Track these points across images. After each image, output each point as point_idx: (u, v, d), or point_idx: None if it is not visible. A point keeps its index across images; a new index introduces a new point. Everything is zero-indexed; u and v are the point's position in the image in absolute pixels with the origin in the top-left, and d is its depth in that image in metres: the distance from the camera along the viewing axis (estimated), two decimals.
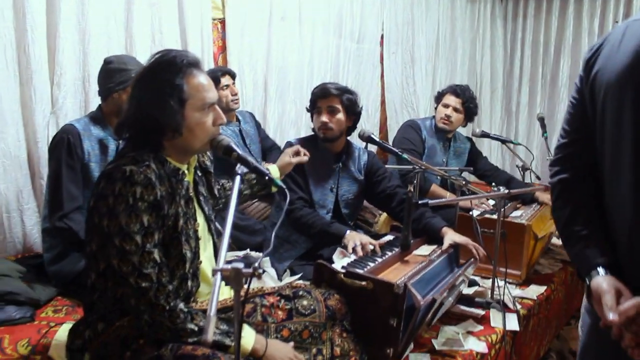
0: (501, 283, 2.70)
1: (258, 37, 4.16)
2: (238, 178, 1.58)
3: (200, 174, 1.92)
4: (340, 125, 2.73)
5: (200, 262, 1.80)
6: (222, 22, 3.98)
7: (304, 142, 2.77)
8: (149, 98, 1.66)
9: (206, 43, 3.82)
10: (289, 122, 4.55)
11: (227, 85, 3.51)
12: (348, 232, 2.56)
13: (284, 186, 1.64)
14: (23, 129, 3.01)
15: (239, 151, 1.69)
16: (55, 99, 3.09)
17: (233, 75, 3.63)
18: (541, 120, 4.04)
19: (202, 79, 1.72)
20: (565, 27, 6.12)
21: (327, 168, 2.80)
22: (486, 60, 6.39)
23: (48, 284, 2.57)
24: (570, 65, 6.11)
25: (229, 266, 1.27)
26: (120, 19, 3.34)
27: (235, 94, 3.57)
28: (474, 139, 3.98)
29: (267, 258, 2.74)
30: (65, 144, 2.52)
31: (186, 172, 1.79)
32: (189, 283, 1.75)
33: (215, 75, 3.41)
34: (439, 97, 3.72)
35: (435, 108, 3.75)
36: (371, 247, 2.44)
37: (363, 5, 5.05)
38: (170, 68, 1.67)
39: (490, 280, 2.80)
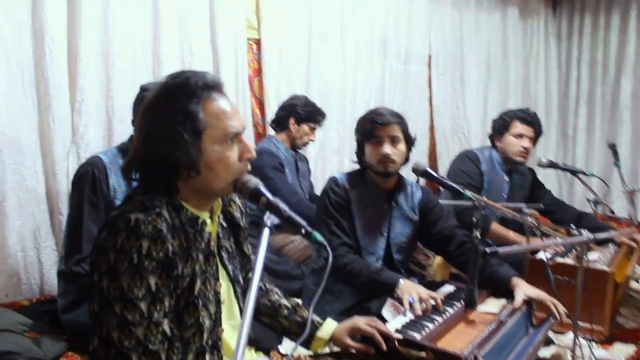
0: (582, 341, 2.27)
1: (296, 58, 3.89)
2: (267, 232, 1.25)
3: (225, 225, 1.59)
4: (402, 157, 2.41)
5: (222, 330, 1.46)
6: (258, 42, 3.74)
7: (352, 178, 2.45)
8: (157, 129, 1.35)
9: (240, 65, 3.57)
10: (331, 150, 4.23)
11: (314, 129, 3.51)
12: (401, 281, 2.19)
13: (325, 242, 1.29)
14: (41, 161, 2.80)
15: (269, 196, 1.35)
16: (76, 127, 2.87)
17: (322, 125, 3.61)
18: (612, 147, 3.60)
19: (223, 104, 1.40)
20: (626, 44, 5.68)
21: (377, 208, 2.45)
22: (540, 80, 5.98)
23: (60, 336, 2.30)
24: (633, 85, 5.65)
25: None
26: (147, 40, 3.12)
27: (312, 140, 3.55)
28: (535, 168, 3.56)
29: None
30: (89, 179, 2.27)
31: (208, 221, 1.46)
32: (207, 357, 1.41)
33: (315, 118, 3.46)
34: (503, 126, 3.28)
35: (496, 139, 3.32)
36: (432, 302, 2.05)
37: (409, 24, 4.75)
38: (182, 92, 1.36)
39: (567, 336, 2.40)
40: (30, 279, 2.77)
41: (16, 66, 2.67)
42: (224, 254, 1.53)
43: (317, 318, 1.80)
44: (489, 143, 3.44)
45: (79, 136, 2.85)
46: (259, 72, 3.77)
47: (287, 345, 2.16)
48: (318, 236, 1.30)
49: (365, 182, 2.44)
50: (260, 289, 1.81)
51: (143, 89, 2.31)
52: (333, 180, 2.46)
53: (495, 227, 3.10)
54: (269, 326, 1.82)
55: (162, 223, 1.30)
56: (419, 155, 5.02)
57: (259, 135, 3.71)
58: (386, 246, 2.45)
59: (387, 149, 2.34)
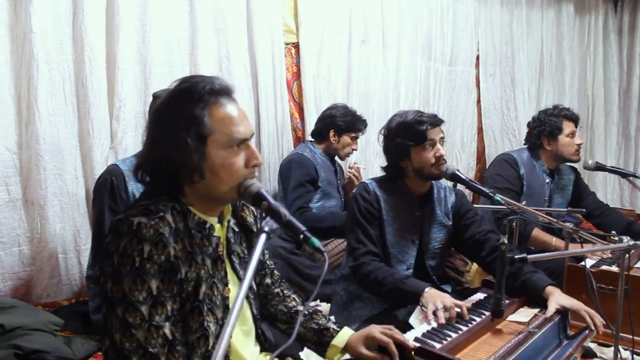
0: (625, 354, 2.13)
1: (336, 62, 3.85)
2: (263, 237, 1.22)
3: (237, 230, 1.57)
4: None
5: (230, 336, 1.44)
6: (296, 46, 3.72)
7: (383, 184, 2.38)
8: (163, 134, 1.36)
9: (278, 69, 3.56)
10: (373, 154, 4.17)
11: (356, 138, 3.48)
12: (427, 289, 2.10)
13: (322, 248, 1.25)
14: (81, 166, 2.87)
15: (271, 200, 1.32)
16: (115, 133, 2.93)
17: (364, 132, 3.58)
18: None
19: (231, 110, 1.39)
20: None
21: (410, 216, 2.36)
22: (599, 79, 5.71)
23: (92, 336, 2.36)
24: None
25: None
26: (184, 46, 3.15)
27: (354, 150, 3.52)
28: (579, 169, 3.39)
29: (332, 317, 2.34)
30: (108, 186, 2.33)
31: (217, 225, 1.45)
32: None
33: (356, 127, 3.44)
34: (557, 128, 3.15)
35: (546, 142, 3.18)
36: (457, 310, 1.97)
37: (455, 25, 4.63)
38: (188, 97, 1.36)
39: (609, 349, 2.25)
40: (70, 280, 2.84)
41: (58, 75, 2.75)
42: (235, 259, 1.52)
43: (333, 326, 1.76)
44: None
45: (117, 142, 2.92)
46: (298, 76, 3.76)
47: (308, 352, 2.13)
48: (316, 242, 1.26)
49: (397, 188, 2.37)
50: (278, 295, 1.79)
51: (155, 97, 2.33)
52: (363, 186, 2.39)
53: (538, 233, 2.96)
54: (285, 333, 1.79)
55: (165, 227, 1.30)
56: (468, 158, 4.90)
57: (298, 140, 3.71)
58: (418, 253, 2.37)
59: (442, 150, 2.29)
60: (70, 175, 2.82)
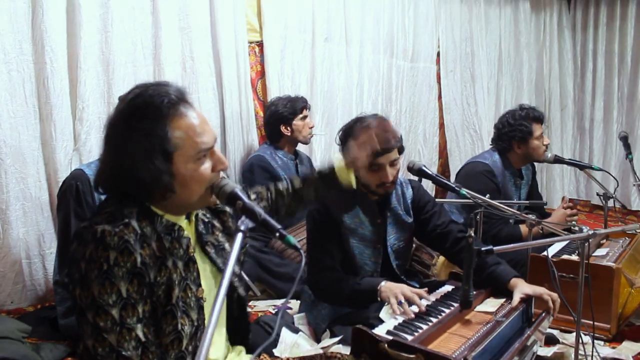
0: (586, 339, 2.21)
1: (300, 60, 3.86)
2: (240, 236, 1.23)
3: (207, 220, 1.56)
4: (398, 174, 2.31)
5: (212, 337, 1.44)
6: (260, 45, 3.71)
7: (340, 193, 2.32)
8: (126, 157, 1.30)
9: (242, 68, 3.55)
10: (338, 151, 4.17)
11: (306, 117, 3.42)
12: (382, 283, 2.14)
13: (298, 245, 1.26)
14: (44, 168, 2.82)
15: (245, 199, 1.33)
16: (78, 135, 2.89)
17: (309, 107, 3.52)
18: (624, 139, 3.51)
19: (193, 119, 1.35)
20: None
21: (371, 225, 2.36)
22: (555, 74, 5.87)
23: (61, 341, 2.32)
24: None
25: None
26: (148, 46, 3.12)
27: (312, 127, 3.49)
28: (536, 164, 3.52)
29: (303, 314, 2.37)
30: (73, 191, 2.30)
31: (184, 223, 1.45)
32: None
33: (299, 107, 3.38)
34: (528, 132, 3.19)
35: (517, 146, 3.25)
36: (425, 302, 2.01)
37: (416, 21, 4.69)
38: (147, 113, 1.30)
39: (571, 335, 2.33)
40: (35, 285, 2.80)
41: (17, 76, 2.70)
42: (210, 249, 1.51)
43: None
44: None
45: (81, 144, 2.87)
46: (262, 74, 3.75)
47: (281, 348, 2.15)
48: (292, 239, 1.27)
49: (354, 196, 2.31)
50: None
51: (121, 100, 2.30)
52: (319, 202, 2.31)
53: (526, 230, 3.00)
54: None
55: (130, 234, 1.28)
56: (430, 153, 4.98)
57: (263, 138, 3.70)
58: (383, 256, 2.40)
59: (390, 175, 2.23)
60: (32, 179, 2.77)
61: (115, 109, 1.37)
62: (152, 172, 1.29)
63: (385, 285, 2.12)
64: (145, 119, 1.30)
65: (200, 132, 1.35)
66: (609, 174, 3.61)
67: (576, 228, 2.17)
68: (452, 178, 4.55)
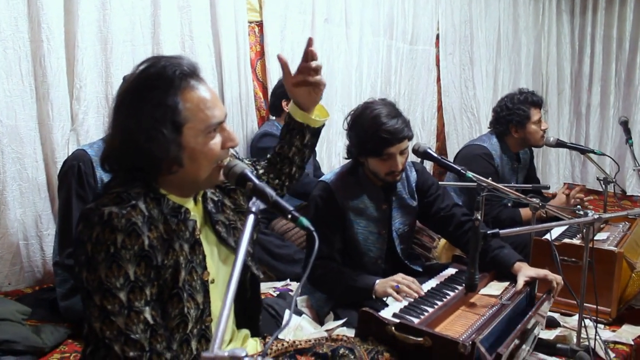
0: (588, 323, 2.21)
1: (299, 40, 3.80)
2: (252, 217, 1.20)
3: (216, 198, 1.53)
4: (406, 162, 2.29)
5: (211, 319, 1.43)
6: (260, 25, 3.65)
7: (344, 180, 2.31)
8: (135, 127, 1.28)
9: (242, 48, 3.49)
10: (336, 133, 4.16)
11: None
12: (377, 281, 2.16)
13: (311, 227, 1.24)
14: (41, 149, 2.76)
15: (256, 181, 1.30)
16: (75, 115, 2.83)
17: None
18: (624, 124, 3.51)
19: (204, 92, 1.33)
20: None
21: (376, 211, 2.34)
22: (552, 59, 5.86)
23: (61, 323, 2.30)
24: None
25: (225, 353, 0.91)
26: (146, 24, 3.05)
27: None
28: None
29: (305, 297, 2.36)
30: (75, 172, 2.25)
31: (191, 205, 1.42)
32: (193, 345, 1.38)
33: None
34: (525, 117, 3.19)
35: (514, 130, 3.25)
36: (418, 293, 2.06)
37: (416, 4, 4.65)
38: (158, 83, 1.28)
39: (573, 318, 2.35)
40: (32, 266, 2.76)
41: (13, 55, 2.63)
42: (221, 229, 1.48)
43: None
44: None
45: (79, 123, 2.82)
46: (261, 54, 3.70)
47: (284, 331, 2.14)
48: (304, 221, 1.24)
49: (359, 182, 2.32)
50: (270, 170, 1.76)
51: (126, 80, 2.26)
52: (323, 187, 2.30)
53: (527, 213, 2.99)
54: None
55: (138, 216, 1.25)
56: (428, 136, 4.97)
57: (262, 119, 3.67)
58: (388, 241, 2.39)
59: (400, 164, 2.21)
60: (29, 159, 2.72)
61: (126, 80, 1.34)
62: (161, 142, 1.27)
63: (379, 284, 2.14)
64: (156, 89, 1.28)
65: (211, 106, 1.33)
66: (612, 158, 3.62)
67: (581, 212, 2.17)
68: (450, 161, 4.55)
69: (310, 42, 1.60)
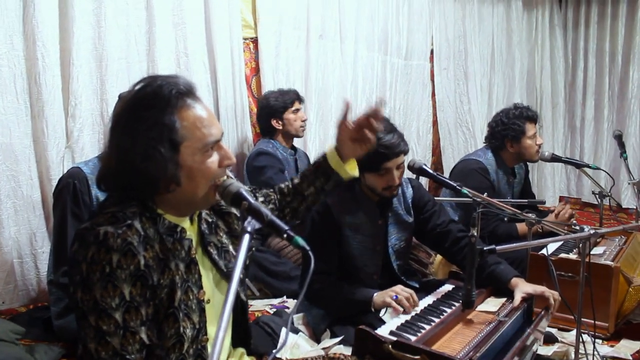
0: (585, 338, 2.20)
1: (294, 56, 3.83)
2: (247, 237, 1.19)
3: (211, 220, 1.53)
4: (402, 177, 2.31)
5: (207, 339, 1.41)
6: (255, 41, 3.68)
7: (341, 195, 2.30)
8: (131, 146, 1.27)
9: (237, 65, 3.51)
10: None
11: (298, 110, 3.39)
12: (375, 294, 2.15)
13: (307, 247, 1.23)
14: (36, 166, 2.77)
15: (251, 200, 1.29)
16: (70, 132, 2.83)
17: (302, 100, 3.47)
18: (618, 138, 3.52)
19: (200, 111, 1.33)
20: (634, 33, 5.57)
21: (371, 226, 2.34)
22: (546, 72, 5.89)
23: (55, 342, 2.27)
24: None
25: None
26: (141, 41, 3.07)
27: (304, 120, 3.45)
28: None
29: (301, 314, 2.34)
30: (70, 190, 2.24)
31: (187, 224, 1.41)
32: None
33: (289, 100, 3.34)
34: (520, 132, 3.19)
35: (509, 145, 3.25)
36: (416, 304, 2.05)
37: (410, 19, 4.68)
38: (155, 102, 1.28)
39: (571, 334, 2.34)
40: (27, 285, 2.74)
41: (8, 72, 2.64)
42: (213, 250, 1.47)
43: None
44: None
45: (74, 141, 2.82)
46: (256, 71, 3.72)
47: (282, 350, 2.12)
48: (300, 241, 1.24)
49: (355, 197, 2.32)
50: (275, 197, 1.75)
51: (121, 98, 2.26)
52: (320, 203, 2.17)
53: (524, 228, 2.99)
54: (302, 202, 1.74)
55: (133, 235, 1.25)
56: (424, 150, 4.98)
57: (258, 136, 3.67)
58: (384, 257, 2.38)
59: (397, 178, 2.23)
60: (24, 177, 2.72)
61: (122, 100, 1.34)
62: (158, 161, 1.26)
63: (377, 296, 2.13)
64: (152, 108, 1.27)
65: (208, 125, 1.32)
66: (606, 172, 3.64)
67: (577, 227, 2.16)
68: (446, 176, 4.55)
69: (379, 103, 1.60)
